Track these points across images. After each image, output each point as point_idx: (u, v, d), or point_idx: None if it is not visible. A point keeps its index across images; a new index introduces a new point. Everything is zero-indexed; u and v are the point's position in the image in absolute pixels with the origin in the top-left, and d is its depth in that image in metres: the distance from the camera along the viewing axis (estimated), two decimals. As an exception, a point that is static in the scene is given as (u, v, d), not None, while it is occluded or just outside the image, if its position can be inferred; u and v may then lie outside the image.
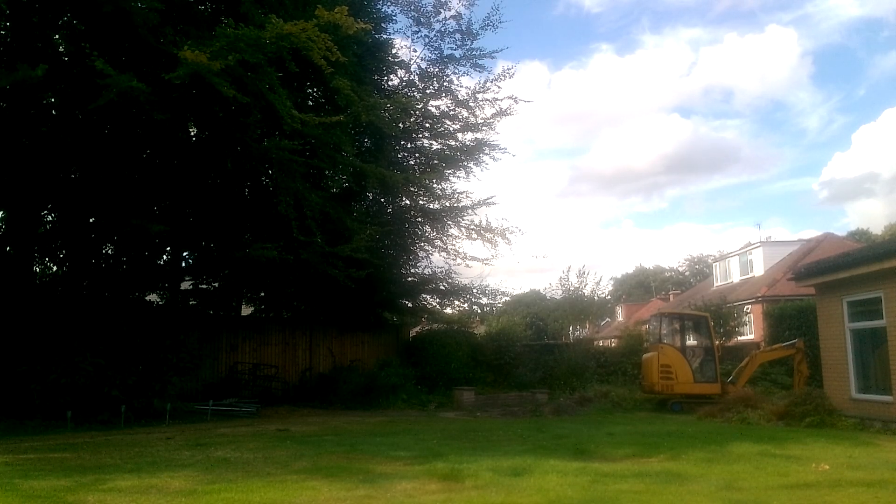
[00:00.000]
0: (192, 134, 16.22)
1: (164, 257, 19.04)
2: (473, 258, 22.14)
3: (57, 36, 14.24)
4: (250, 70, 12.63)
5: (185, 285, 20.35)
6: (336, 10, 11.89)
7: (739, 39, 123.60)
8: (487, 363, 23.21)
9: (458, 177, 21.97)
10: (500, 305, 27.57)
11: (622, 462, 8.64)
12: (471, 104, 21.33)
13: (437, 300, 23.93)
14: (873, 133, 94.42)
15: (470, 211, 21.44)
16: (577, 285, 34.33)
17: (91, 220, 16.77)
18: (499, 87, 25.12)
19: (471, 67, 21.42)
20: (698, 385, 17.42)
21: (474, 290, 23.43)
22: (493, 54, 21.55)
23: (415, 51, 22.22)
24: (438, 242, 22.29)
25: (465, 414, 17.20)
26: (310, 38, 11.84)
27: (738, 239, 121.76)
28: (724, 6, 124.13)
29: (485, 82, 21.37)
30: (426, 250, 22.84)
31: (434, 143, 21.79)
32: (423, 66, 21.46)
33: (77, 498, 6.43)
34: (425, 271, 23.25)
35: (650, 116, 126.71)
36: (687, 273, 66.98)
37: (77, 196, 15.52)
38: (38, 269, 17.87)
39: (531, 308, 44.77)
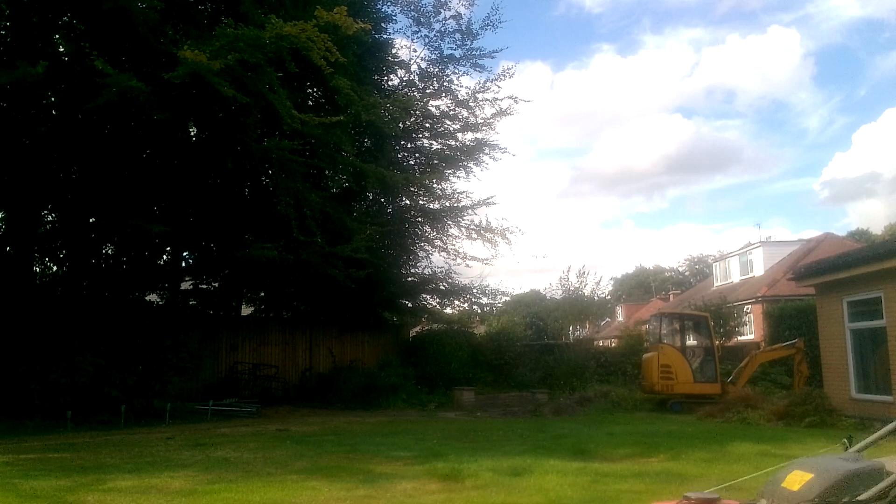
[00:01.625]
0: (192, 134, 16.21)
1: (164, 257, 19.03)
2: (473, 258, 22.18)
3: (57, 35, 14.25)
4: (250, 70, 12.63)
5: (185, 285, 20.33)
6: (335, 11, 11.89)
7: (741, 40, 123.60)
8: (487, 363, 23.21)
9: (458, 177, 22.02)
10: (500, 305, 27.52)
11: (622, 462, 8.64)
12: (471, 104, 21.35)
13: (437, 300, 23.92)
14: (874, 133, 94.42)
15: (470, 211, 21.48)
16: (577, 285, 34.25)
17: (91, 220, 16.75)
18: (499, 87, 25.09)
19: (471, 67, 21.49)
20: (698, 385, 17.40)
21: (474, 290, 23.43)
22: (493, 54, 21.58)
23: (415, 51, 22.29)
24: (438, 242, 22.31)
25: (464, 414, 17.19)
26: (309, 39, 11.85)
27: (739, 239, 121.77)
28: (725, 7, 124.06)
29: (485, 82, 21.41)
30: (426, 250, 22.86)
31: (434, 143, 21.80)
32: (423, 66, 21.50)
33: (77, 498, 6.43)
34: (425, 271, 23.27)
35: (652, 117, 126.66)
36: (687, 273, 66.93)
37: (77, 196, 15.53)
38: (38, 269, 17.86)
39: (531, 308, 44.70)
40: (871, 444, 3.44)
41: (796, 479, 3.01)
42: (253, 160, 15.14)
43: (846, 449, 3.40)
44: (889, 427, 3.44)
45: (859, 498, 2.78)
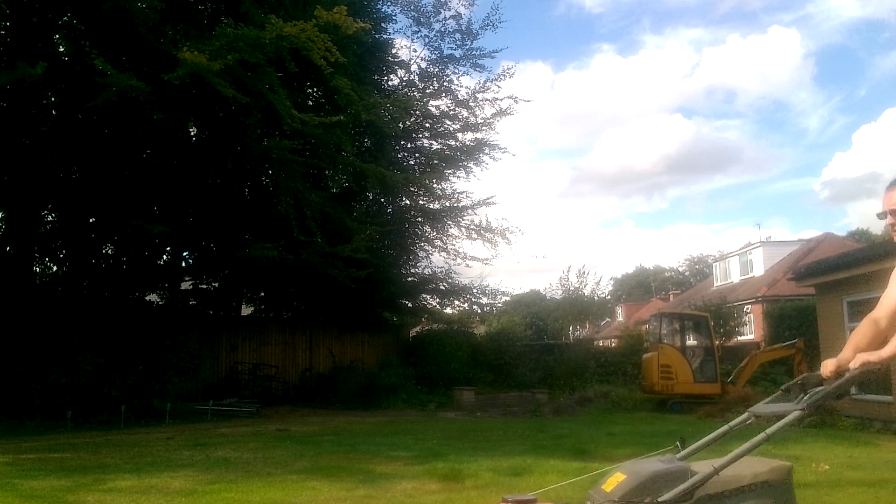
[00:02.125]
0: (192, 134, 16.21)
1: (164, 257, 19.03)
2: (473, 258, 22.18)
3: (57, 35, 14.24)
4: (250, 70, 12.62)
5: (185, 285, 20.33)
6: (335, 11, 11.89)
7: (741, 40, 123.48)
8: (487, 363, 23.21)
9: (458, 177, 22.03)
10: (500, 305, 27.54)
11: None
12: (471, 104, 21.36)
13: (437, 300, 23.93)
14: (874, 133, 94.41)
15: (470, 211, 21.49)
16: (577, 285, 34.28)
17: (91, 220, 16.75)
18: (499, 87, 25.15)
19: (471, 67, 21.52)
20: (698, 385, 17.41)
21: (474, 290, 23.43)
22: (493, 54, 21.61)
23: (415, 51, 22.34)
24: (438, 242, 22.31)
25: (464, 414, 17.19)
26: (309, 39, 11.85)
27: (739, 239, 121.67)
28: (726, 7, 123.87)
29: (485, 82, 21.43)
30: (426, 250, 22.86)
31: (434, 143, 21.81)
32: (423, 65, 21.51)
33: (77, 498, 6.43)
34: (425, 271, 23.27)
35: (652, 117, 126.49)
36: (687, 273, 66.91)
37: (77, 196, 15.51)
38: (38, 269, 17.85)
39: (531, 308, 44.70)
40: (701, 448, 3.52)
41: (612, 481, 3.10)
42: (253, 160, 15.14)
43: (679, 451, 3.48)
44: (717, 432, 3.54)
45: (660, 499, 2.84)
